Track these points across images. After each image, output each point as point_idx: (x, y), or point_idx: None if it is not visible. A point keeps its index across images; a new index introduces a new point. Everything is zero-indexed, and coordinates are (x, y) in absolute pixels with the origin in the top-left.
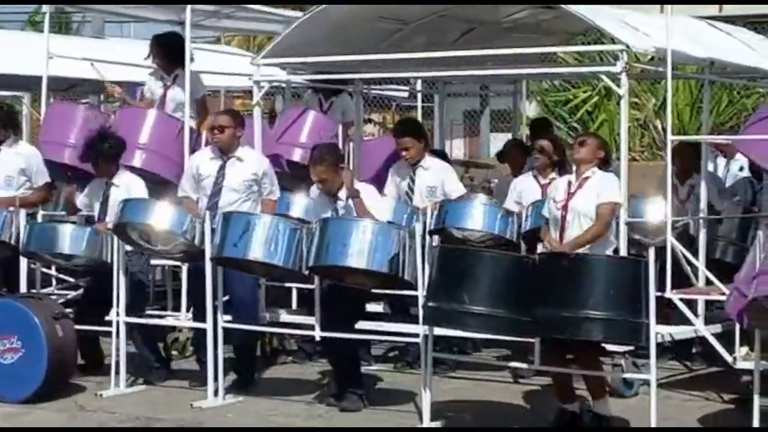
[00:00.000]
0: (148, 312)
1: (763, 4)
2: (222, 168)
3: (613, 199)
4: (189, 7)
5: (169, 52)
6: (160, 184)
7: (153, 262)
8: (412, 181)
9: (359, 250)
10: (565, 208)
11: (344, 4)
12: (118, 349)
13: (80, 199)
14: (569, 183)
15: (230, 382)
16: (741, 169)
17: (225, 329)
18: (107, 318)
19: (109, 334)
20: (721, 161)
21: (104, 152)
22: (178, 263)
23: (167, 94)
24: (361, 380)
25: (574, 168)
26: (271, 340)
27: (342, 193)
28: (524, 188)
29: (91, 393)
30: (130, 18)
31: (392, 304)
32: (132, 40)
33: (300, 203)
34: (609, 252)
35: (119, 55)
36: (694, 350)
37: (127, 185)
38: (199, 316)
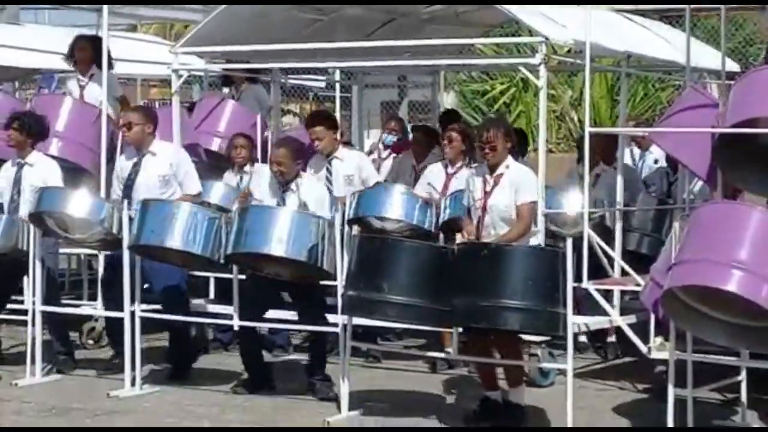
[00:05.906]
0: (64, 301)
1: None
2: (137, 164)
3: (532, 198)
4: None
5: (93, 48)
6: (76, 172)
7: (69, 250)
8: (329, 172)
9: (278, 238)
10: (483, 208)
11: None
12: (33, 338)
13: None
14: (485, 180)
15: (148, 371)
16: (656, 161)
17: (142, 318)
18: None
19: (24, 322)
20: (636, 152)
21: (24, 126)
22: (94, 252)
23: (84, 94)
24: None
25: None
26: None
27: (294, 185)
28: (433, 176)
29: (6, 382)
30: (46, 4)
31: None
32: (48, 27)
33: (218, 192)
34: (532, 242)
35: (36, 41)
36: (608, 340)
37: (41, 166)
38: (115, 305)
